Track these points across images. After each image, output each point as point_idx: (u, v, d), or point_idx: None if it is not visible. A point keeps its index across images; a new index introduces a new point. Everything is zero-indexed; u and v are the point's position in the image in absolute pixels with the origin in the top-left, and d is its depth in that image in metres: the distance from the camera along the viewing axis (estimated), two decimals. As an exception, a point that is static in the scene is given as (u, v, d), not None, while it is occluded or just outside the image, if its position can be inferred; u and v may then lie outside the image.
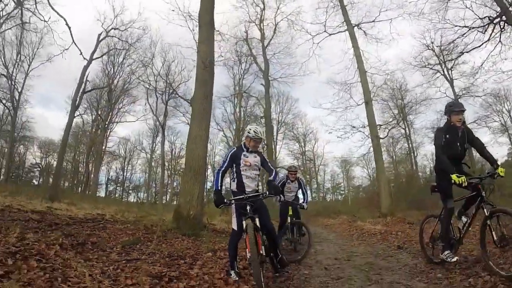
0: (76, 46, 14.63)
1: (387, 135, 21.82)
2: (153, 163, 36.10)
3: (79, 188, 34.26)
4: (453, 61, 19.52)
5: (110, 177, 39.71)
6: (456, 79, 21.78)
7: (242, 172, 3.96)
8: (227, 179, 4.74)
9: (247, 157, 3.99)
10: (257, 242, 3.45)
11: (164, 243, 5.06)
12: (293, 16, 22.29)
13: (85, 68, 19.54)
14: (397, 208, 14.42)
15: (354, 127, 18.97)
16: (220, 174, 3.94)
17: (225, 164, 3.96)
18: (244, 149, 4.02)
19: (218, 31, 11.18)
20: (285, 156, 34.89)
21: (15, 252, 3.19)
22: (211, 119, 9.91)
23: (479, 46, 15.80)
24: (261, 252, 3.47)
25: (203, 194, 7.56)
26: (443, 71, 21.94)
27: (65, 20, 14.15)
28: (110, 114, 27.83)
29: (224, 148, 30.77)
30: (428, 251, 4.55)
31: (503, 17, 13.64)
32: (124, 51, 25.56)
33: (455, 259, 4.00)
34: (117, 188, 40.69)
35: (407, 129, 29.08)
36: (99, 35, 21.73)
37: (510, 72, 16.67)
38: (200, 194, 7.39)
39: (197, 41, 9.54)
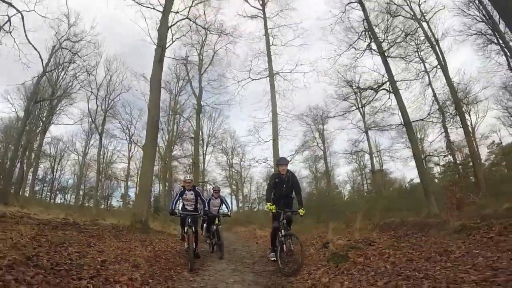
0: (46, 76, 17.97)
1: (290, 161, 28.35)
2: (83, 166, 38.25)
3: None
4: (365, 99, 26.27)
5: (37, 176, 41.07)
6: (367, 113, 28.88)
7: (184, 202, 7.89)
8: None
9: (186, 194, 7.87)
10: (193, 240, 7.00)
11: (131, 234, 10.13)
12: (231, 45, 26.95)
13: (39, 79, 22.64)
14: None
15: (258, 160, 25.04)
16: (174, 203, 7.78)
17: (176, 198, 7.91)
18: (185, 190, 7.90)
19: (163, 87, 16.21)
20: (213, 167, 40.98)
21: (89, 236, 8.08)
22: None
23: (370, 101, 22.94)
24: (193, 245, 7.01)
25: (149, 207, 12.72)
26: (358, 105, 28.01)
27: (37, 51, 17.52)
28: (50, 116, 30.55)
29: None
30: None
31: (387, 85, 20.33)
32: (70, 55, 27.61)
33: (273, 258, 6.89)
34: (44, 188, 42.62)
35: (324, 151, 36.69)
36: (54, 46, 25.06)
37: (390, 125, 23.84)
38: (147, 207, 12.62)
39: (147, 101, 14.89)
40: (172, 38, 16.31)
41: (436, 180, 34.03)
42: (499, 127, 31.06)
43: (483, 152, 32.68)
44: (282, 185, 6.90)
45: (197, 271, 6.17)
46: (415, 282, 3.97)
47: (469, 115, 30.81)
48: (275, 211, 6.60)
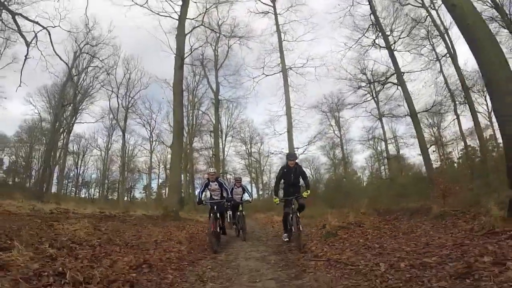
0: (74, 82, 20.67)
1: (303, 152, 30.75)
2: (106, 161, 41.00)
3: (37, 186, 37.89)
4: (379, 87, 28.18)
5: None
6: (380, 101, 30.56)
7: (210, 192, 9.28)
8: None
9: (211, 186, 9.10)
10: (216, 224, 8.14)
11: (166, 222, 12.56)
12: (245, 40, 28.39)
13: (64, 85, 25.61)
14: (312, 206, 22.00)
15: (274, 152, 27.21)
16: (200, 193, 9.35)
17: (202, 189, 9.35)
18: (210, 181, 9.11)
19: (185, 90, 18.54)
20: (233, 157, 41.17)
21: (133, 225, 10.57)
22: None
23: (380, 91, 24.84)
24: (217, 229, 8.17)
25: (180, 199, 15.19)
26: (372, 93, 30.26)
27: (64, 61, 20.19)
28: (74, 117, 33.14)
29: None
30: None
31: (394, 77, 22.19)
32: (88, 56, 29.78)
33: (286, 239, 8.27)
34: (68, 184, 44.81)
35: (340, 138, 38.63)
36: (75, 52, 27.59)
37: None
38: (177, 199, 15.06)
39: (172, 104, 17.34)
40: (191, 48, 18.55)
41: (455, 165, 35.69)
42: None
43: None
44: (290, 174, 8.16)
45: (225, 247, 8.38)
46: (370, 249, 6.09)
47: (485, 100, 32.01)
48: (278, 203, 8.11)
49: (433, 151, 32.04)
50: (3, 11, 19.11)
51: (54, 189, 37.10)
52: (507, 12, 22.52)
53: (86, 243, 6.22)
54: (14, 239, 4.98)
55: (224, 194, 9.09)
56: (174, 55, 16.91)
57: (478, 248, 4.66)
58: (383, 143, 34.67)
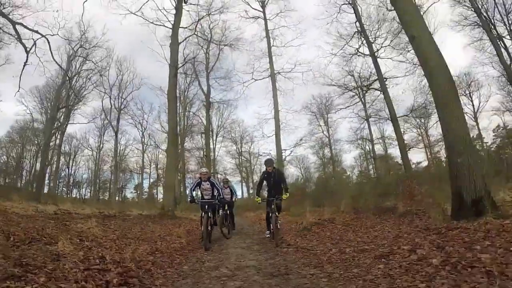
0: (75, 94, 22.35)
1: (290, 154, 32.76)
2: (98, 161, 42.70)
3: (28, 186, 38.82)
4: (366, 88, 29.80)
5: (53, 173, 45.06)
6: (368, 103, 32.20)
7: (202, 192, 9.60)
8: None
9: (203, 185, 9.45)
10: (207, 223, 8.69)
11: (164, 220, 14.44)
12: (235, 41, 29.80)
13: (60, 88, 27.17)
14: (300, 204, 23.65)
15: (261, 154, 29.08)
16: (191, 191, 10.00)
17: (193, 187, 9.78)
18: (202, 181, 9.48)
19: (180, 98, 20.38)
20: (223, 156, 43.84)
21: (134, 223, 12.46)
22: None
23: (366, 92, 26.71)
24: (208, 228, 8.73)
25: (174, 199, 17.04)
26: (360, 95, 31.56)
27: (61, 67, 21.79)
28: (67, 118, 34.41)
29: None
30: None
31: (377, 83, 24.13)
32: (82, 59, 30.73)
33: (268, 235, 9.49)
34: (59, 184, 45.76)
35: (328, 138, 40.61)
36: (69, 56, 29.01)
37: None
38: (173, 200, 16.94)
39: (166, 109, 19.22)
40: (184, 59, 20.34)
41: (443, 164, 37.73)
42: (502, 112, 33.40)
43: (489, 136, 35.93)
44: (270, 178, 9.26)
45: (217, 239, 10.13)
46: (332, 240, 8.00)
47: (471, 101, 34.37)
48: (260, 202, 9.38)
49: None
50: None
51: (45, 189, 37.76)
52: (489, 18, 24.46)
53: (105, 238, 8.01)
54: (46, 237, 6.67)
55: (215, 193, 9.54)
56: (168, 65, 18.66)
57: (408, 240, 6.17)
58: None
